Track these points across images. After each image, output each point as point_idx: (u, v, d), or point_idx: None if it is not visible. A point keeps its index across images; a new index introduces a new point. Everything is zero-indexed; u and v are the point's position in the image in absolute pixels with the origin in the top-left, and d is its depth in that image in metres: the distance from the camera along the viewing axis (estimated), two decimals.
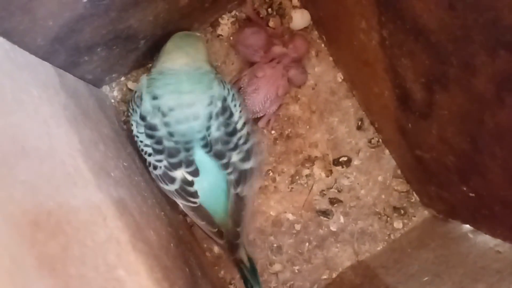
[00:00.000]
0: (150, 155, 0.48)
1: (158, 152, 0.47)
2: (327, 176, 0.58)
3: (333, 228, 0.58)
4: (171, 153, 0.47)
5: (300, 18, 0.58)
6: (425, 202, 0.57)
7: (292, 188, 0.58)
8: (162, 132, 0.47)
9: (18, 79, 0.32)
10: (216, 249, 0.57)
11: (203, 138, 0.47)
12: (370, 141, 0.58)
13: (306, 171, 0.58)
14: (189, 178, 0.48)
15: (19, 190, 0.24)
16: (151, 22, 0.48)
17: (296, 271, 0.57)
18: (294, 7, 0.58)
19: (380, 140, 0.58)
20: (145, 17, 0.46)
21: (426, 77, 0.42)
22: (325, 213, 0.58)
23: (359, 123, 0.58)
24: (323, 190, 0.58)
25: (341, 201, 0.58)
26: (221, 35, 0.58)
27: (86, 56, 0.46)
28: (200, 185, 0.48)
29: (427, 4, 0.36)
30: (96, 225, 0.31)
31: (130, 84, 0.57)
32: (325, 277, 0.57)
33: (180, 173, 0.48)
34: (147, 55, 0.55)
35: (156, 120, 0.47)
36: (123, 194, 0.38)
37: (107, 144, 0.44)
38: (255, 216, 0.57)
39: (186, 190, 0.48)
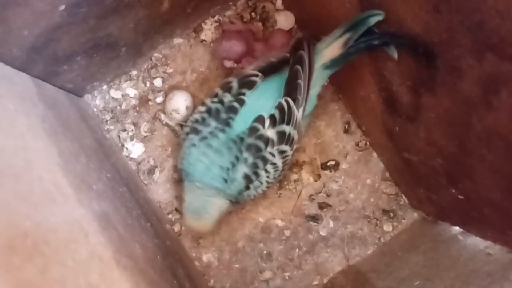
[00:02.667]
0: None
1: None
2: (316, 181, 0.57)
3: (322, 233, 0.57)
4: None
5: (284, 20, 0.57)
6: (414, 205, 0.57)
7: (280, 194, 0.57)
8: None
9: None
10: (205, 257, 0.56)
11: None
12: (357, 144, 0.58)
13: (294, 176, 0.57)
14: None
15: None
16: (132, 29, 0.46)
17: (287, 277, 0.56)
18: (278, 10, 0.58)
19: (368, 143, 0.58)
20: (126, 24, 0.45)
21: (412, 80, 0.41)
22: (315, 218, 0.57)
23: (346, 127, 0.58)
24: (312, 195, 0.57)
25: (330, 206, 0.57)
26: (204, 40, 0.57)
27: (65, 65, 0.44)
28: None
29: (411, 7, 0.36)
30: (77, 242, 0.29)
31: (113, 92, 0.56)
32: (316, 282, 0.56)
33: None
34: (129, 62, 0.54)
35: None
36: (106, 208, 0.37)
37: (89, 155, 0.42)
38: (243, 224, 0.57)
39: None
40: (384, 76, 0.45)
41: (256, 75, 0.49)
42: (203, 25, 0.57)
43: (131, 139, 0.56)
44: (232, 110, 0.48)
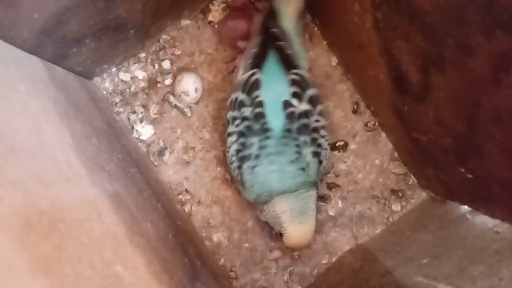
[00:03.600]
0: None
1: None
2: None
3: (331, 213, 0.57)
4: None
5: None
6: (422, 184, 0.57)
7: None
8: None
9: (3, 75, 0.31)
10: (215, 237, 0.57)
11: None
12: (366, 125, 0.58)
13: None
14: None
15: (9, 191, 0.24)
16: (140, 11, 0.47)
17: (296, 256, 0.57)
18: None
19: (377, 123, 0.58)
20: (134, 6, 0.45)
21: (421, 59, 0.41)
22: (323, 198, 0.57)
23: (355, 107, 0.58)
24: None
25: (338, 186, 0.58)
26: (212, 21, 0.57)
27: (74, 48, 0.45)
28: None
29: None
30: (91, 221, 0.30)
31: (122, 75, 0.56)
32: (324, 261, 0.57)
33: None
34: (137, 44, 0.54)
35: None
36: (118, 188, 0.38)
37: (100, 137, 0.43)
38: (253, 204, 0.57)
39: None
40: (393, 55, 0.44)
41: (253, 73, 0.49)
42: (210, 6, 0.57)
43: (141, 121, 0.56)
44: (260, 116, 0.49)
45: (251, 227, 0.57)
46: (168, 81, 0.57)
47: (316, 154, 0.49)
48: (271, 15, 0.50)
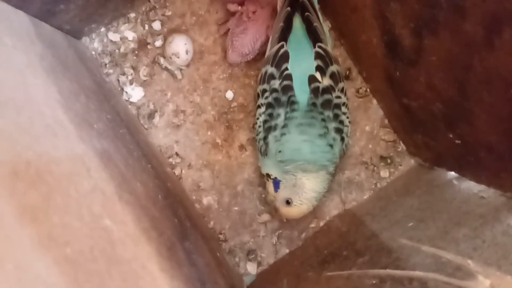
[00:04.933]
0: None
1: None
2: None
3: None
4: None
5: None
6: (411, 151, 0.58)
7: None
8: None
9: None
10: (205, 200, 0.57)
11: None
12: (357, 91, 0.58)
13: None
14: None
15: None
16: None
17: (285, 220, 0.57)
18: None
19: (368, 89, 0.58)
20: None
21: (415, 22, 0.41)
22: None
23: (347, 73, 0.57)
24: None
25: None
26: None
27: (62, 5, 0.44)
28: None
29: None
30: (80, 175, 0.30)
31: (111, 35, 0.55)
32: (312, 225, 0.58)
33: None
34: (127, 3, 0.53)
35: None
36: (107, 146, 0.38)
37: (89, 96, 0.42)
38: (243, 168, 0.58)
39: None
40: (387, 18, 0.44)
41: (282, 46, 0.50)
42: None
43: (131, 83, 0.56)
44: (287, 89, 0.49)
45: (241, 191, 0.58)
46: (158, 43, 0.56)
47: (338, 131, 0.50)
48: None
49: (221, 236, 0.57)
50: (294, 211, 0.52)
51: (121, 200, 0.33)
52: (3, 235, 0.21)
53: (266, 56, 0.52)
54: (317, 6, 0.51)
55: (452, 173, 0.50)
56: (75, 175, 0.30)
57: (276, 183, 0.51)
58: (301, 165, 0.50)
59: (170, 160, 0.57)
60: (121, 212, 0.32)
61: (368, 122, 0.58)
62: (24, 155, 0.25)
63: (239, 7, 0.53)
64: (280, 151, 0.50)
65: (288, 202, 0.51)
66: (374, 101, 0.58)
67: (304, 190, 0.50)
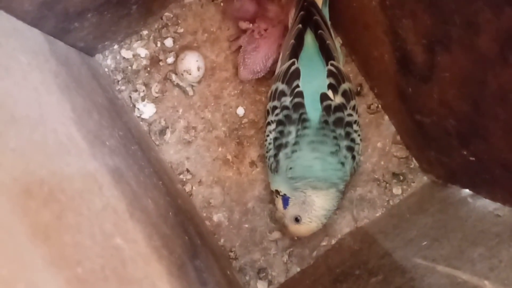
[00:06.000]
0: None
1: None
2: None
3: None
4: None
5: None
6: (424, 168, 0.57)
7: None
8: None
9: (4, 45, 0.31)
10: (215, 217, 0.57)
11: None
12: (369, 107, 0.57)
13: None
14: None
15: (9, 158, 0.23)
16: None
17: (295, 238, 0.57)
18: None
19: (380, 105, 0.57)
20: None
21: (427, 38, 0.40)
22: None
23: (358, 89, 0.57)
24: None
25: None
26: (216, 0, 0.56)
27: (76, 23, 0.44)
28: None
29: None
30: (92, 193, 0.30)
31: (124, 52, 0.56)
32: (324, 243, 0.57)
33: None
34: (140, 21, 0.53)
35: None
36: (119, 163, 0.38)
37: (102, 113, 0.43)
38: (253, 185, 0.57)
39: None
40: (398, 34, 0.44)
41: (293, 63, 0.50)
42: None
43: (142, 100, 0.56)
44: (299, 106, 0.49)
45: (252, 208, 0.57)
46: (170, 60, 0.56)
47: (349, 149, 0.50)
48: (309, 4, 0.50)
49: (232, 254, 0.57)
50: (303, 228, 0.51)
51: (133, 218, 0.33)
52: (16, 254, 0.21)
53: (276, 73, 0.53)
54: (329, 23, 0.51)
55: (467, 190, 0.50)
56: (88, 192, 0.30)
57: (285, 200, 0.51)
58: (311, 182, 0.49)
59: (181, 176, 0.57)
60: (133, 230, 0.32)
61: (380, 138, 0.58)
62: (38, 173, 0.25)
63: (251, 24, 0.54)
64: (291, 168, 0.49)
65: (297, 220, 0.51)
66: (386, 117, 0.58)
67: (313, 208, 0.50)
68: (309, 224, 0.51)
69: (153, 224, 0.37)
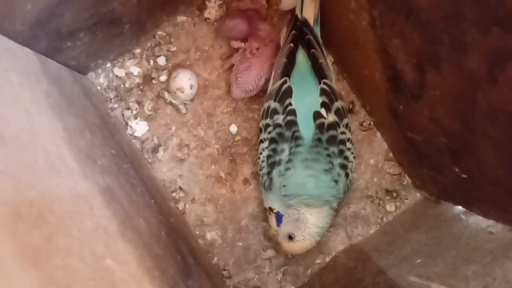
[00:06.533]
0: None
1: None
2: None
3: None
4: None
5: None
6: (417, 185, 0.57)
7: None
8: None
9: None
10: (208, 236, 0.56)
11: None
12: (361, 124, 0.58)
13: None
14: None
15: None
16: (135, 6, 0.46)
17: (290, 256, 0.56)
18: None
19: (372, 122, 0.58)
20: (129, 0, 0.45)
21: (417, 57, 0.41)
22: None
23: (350, 106, 0.58)
24: None
25: None
26: (208, 18, 0.57)
27: (68, 42, 0.44)
28: None
29: None
30: (82, 214, 0.30)
31: (117, 71, 0.56)
32: (318, 261, 0.57)
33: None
34: (133, 40, 0.54)
35: None
36: (110, 182, 0.38)
37: (93, 131, 0.42)
38: (247, 202, 0.57)
39: None
40: (389, 53, 0.44)
41: (285, 82, 0.50)
42: (207, 2, 0.56)
43: (135, 118, 0.56)
44: (292, 124, 0.49)
45: (245, 225, 0.57)
46: (163, 78, 0.56)
47: (343, 166, 0.50)
48: (301, 24, 0.51)
49: (225, 273, 0.56)
50: (296, 246, 0.51)
51: (124, 238, 0.33)
52: (4, 278, 0.20)
53: (268, 91, 0.53)
54: (320, 41, 0.52)
55: (460, 207, 0.50)
56: (78, 213, 0.29)
57: (279, 218, 0.51)
58: (304, 199, 0.49)
59: (174, 194, 0.56)
60: (124, 251, 0.32)
61: (373, 155, 0.58)
62: (27, 195, 0.25)
63: (242, 43, 0.54)
64: (284, 186, 0.49)
65: (290, 237, 0.50)
66: (378, 134, 0.58)
67: (307, 225, 0.50)
68: (302, 242, 0.50)
69: (145, 244, 0.36)
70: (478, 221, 0.46)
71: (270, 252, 0.56)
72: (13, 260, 0.21)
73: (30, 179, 0.26)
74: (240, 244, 0.57)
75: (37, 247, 0.23)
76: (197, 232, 0.56)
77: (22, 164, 0.26)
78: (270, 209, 0.51)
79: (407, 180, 0.58)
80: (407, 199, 0.58)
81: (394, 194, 0.58)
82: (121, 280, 0.29)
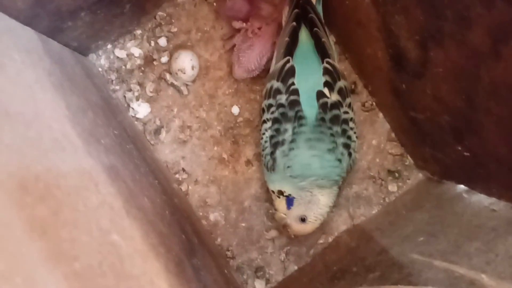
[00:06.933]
0: None
1: None
2: None
3: None
4: None
5: None
6: (419, 165, 0.57)
7: None
8: None
9: None
10: (212, 217, 0.57)
11: None
12: (363, 105, 0.58)
13: None
14: None
15: (4, 153, 0.23)
16: None
17: (293, 236, 0.57)
18: None
19: (374, 103, 0.58)
20: None
21: (420, 34, 0.41)
22: None
23: (353, 87, 0.57)
24: None
25: None
26: None
27: (69, 22, 0.44)
28: None
29: None
30: (88, 190, 0.30)
31: (118, 52, 0.56)
32: (321, 241, 0.57)
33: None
34: (133, 20, 0.53)
35: None
36: (114, 161, 0.38)
37: (96, 112, 0.42)
38: (249, 183, 0.57)
39: None
40: (391, 31, 0.44)
41: (288, 61, 0.50)
42: None
43: (137, 99, 0.56)
44: (295, 104, 0.49)
45: (248, 206, 0.57)
46: (164, 59, 0.56)
47: (346, 146, 0.50)
48: (303, 2, 0.50)
49: (229, 253, 0.56)
50: (309, 227, 0.51)
51: (129, 215, 0.33)
52: (13, 248, 0.20)
53: (271, 71, 0.53)
54: (323, 21, 0.52)
55: (462, 186, 0.50)
56: (83, 189, 0.30)
57: (290, 200, 0.51)
58: (315, 181, 0.49)
59: (177, 176, 0.57)
60: (129, 228, 0.32)
61: (375, 136, 0.58)
62: (33, 168, 0.25)
63: (244, 24, 0.54)
64: (289, 166, 0.49)
65: (302, 219, 0.50)
66: (381, 115, 0.58)
67: (319, 206, 0.50)
68: (314, 223, 0.51)
69: (149, 222, 0.37)
70: (480, 199, 0.47)
71: (273, 233, 0.57)
72: (21, 230, 0.21)
73: (35, 154, 0.26)
74: (243, 225, 0.57)
75: (44, 219, 0.23)
76: (200, 213, 0.57)
77: (27, 139, 0.27)
78: (280, 192, 0.51)
79: (409, 160, 0.58)
80: (409, 179, 0.58)
81: (396, 175, 0.58)
82: (127, 255, 0.30)
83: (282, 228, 0.54)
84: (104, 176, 0.34)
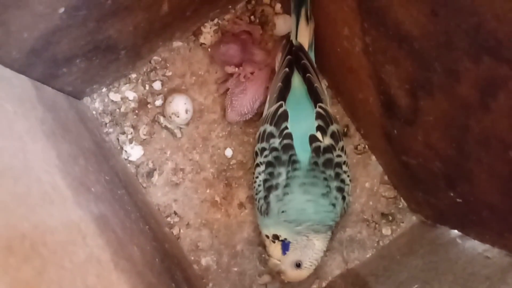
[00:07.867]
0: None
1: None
2: None
3: None
4: None
5: (283, 24, 0.57)
6: (413, 208, 0.57)
7: None
8: None
9: None
10: (203, 261, 0.56)
11: None
12: (356, 148, 0.58)
13: None
14: None
15: None
16: (131, 32, 0.47)
17: (286, 281, 0.56)
18: (277, 13, 0.58)
19: (367, 146, 0.58)
20: (125, 27, 0.45)
21: (410, 83, 0.41)
22: None
23: (345, 130, 0.58)
24: None
25: None
26: (204, 43, 0.57)
27: (64, 68, 0.45)
28: None
29: (409, 10, 0.36)
30: (75, 244, 0.29)
31: (112, 95, 0.56)
32: (315, 286, 0.56)
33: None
34: (128, 65, 0.54)
35: None
36: (104, 210, 0.37)
37: (88, 158, 0.42)
38: (242, 227, 0.56)
39: None
40: (382, 79, 0.45)
41: (281, 106, 0.51)
42: (202, 28, 0.57)
43: (130, 142, 0.56)
44: (288, 148, 0.50)
45: (241, 250, 0.56)
46: (158, 102, 0.57)
47: (339, 189, 0.50)
48: (296, 49, 0.52)
49: None
50: (304, 273, 0.50)
51: (117, 268, 0.32)
52: None
53: (264, 115, 0.53)
54: (315, 66, 0.52)
55: (456, 231, 0.49)
56: (71, 244, 0.29)
57: (286, 245, 0.50)
58: (311, 226, 0.49)
59: (168, 219, 0.56)
60: (117, 282, 0.31)
61: (368, 178, 0.58)
62: (20, 227, 0.25)
63: (236, 68, 0.55)
64: (283, 211, 0.49)
65: (298, 265, 0.50)
66: (373, 158, 0.58)
67: (314, 251, 0.50)
68: (309, 268, 0.50)
69: (138, 273, 0.36)
70: (474, 245, 0.46)
71: (266, 278, 0.56)
72: None
73: (23, 210, 0.26)
74: (236, 269, 0.56)
75: (29, 280, 0.23)
76: (192, 258, 0.56)
77: (15, 195, 0.26)
78: (276, 236, 0.50)
79: (402, 203, 0.58)
80: (403, 222, 0.58)
81: (390, 218, 0.57)
82: None
83: (276, 273, 0.53)
84: (93, 227, 0.33)
